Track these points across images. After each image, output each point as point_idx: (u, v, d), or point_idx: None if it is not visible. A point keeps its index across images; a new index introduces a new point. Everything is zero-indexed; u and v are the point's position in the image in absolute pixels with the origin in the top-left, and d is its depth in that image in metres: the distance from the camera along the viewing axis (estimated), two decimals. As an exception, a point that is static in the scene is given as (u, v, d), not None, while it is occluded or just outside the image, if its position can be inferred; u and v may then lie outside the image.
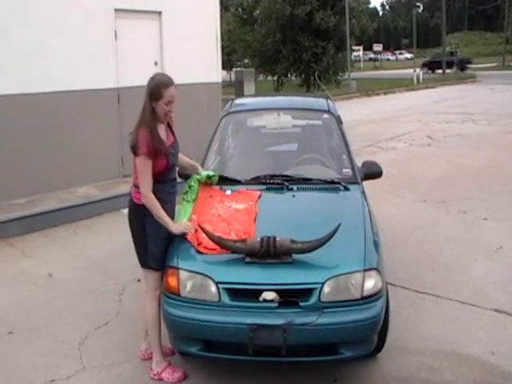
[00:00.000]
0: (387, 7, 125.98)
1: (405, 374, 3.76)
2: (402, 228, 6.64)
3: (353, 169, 4.63)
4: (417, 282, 5.13)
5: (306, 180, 4.37)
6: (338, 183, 4.37)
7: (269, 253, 3.36)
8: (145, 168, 3.55)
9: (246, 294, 3.33)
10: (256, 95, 12.94)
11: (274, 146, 5.28)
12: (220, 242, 3.46)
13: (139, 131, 3.58)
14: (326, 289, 3.31)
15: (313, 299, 3.28)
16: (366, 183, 4.64)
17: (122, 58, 8.68)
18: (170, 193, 3.77)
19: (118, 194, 7.92)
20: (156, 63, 9.27)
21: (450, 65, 43.46)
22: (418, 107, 20.36)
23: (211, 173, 4.23)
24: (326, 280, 3.31)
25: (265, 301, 3.29)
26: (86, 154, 8.25)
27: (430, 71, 43.98)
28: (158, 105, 3.64)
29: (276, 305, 3.28)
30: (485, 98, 23.61)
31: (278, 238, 3.39)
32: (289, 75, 30.05)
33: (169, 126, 3.86)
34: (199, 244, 3.55)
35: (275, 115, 5.31)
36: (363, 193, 4.39)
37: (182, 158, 4.13)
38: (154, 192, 3.60)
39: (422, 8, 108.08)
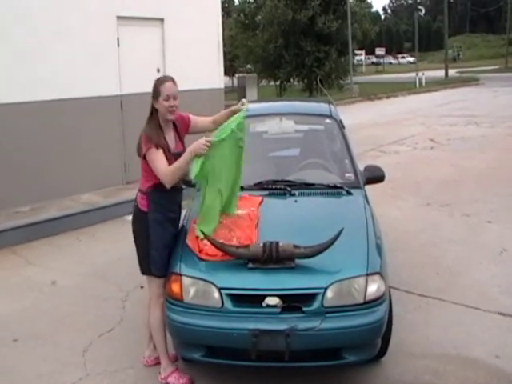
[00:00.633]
0: (389, 11, 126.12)
1: (409, 378, 3.74)
2: (405, 231, 6.63)
3: (355, 173, 4.63)
4: (421, 286, 5.12)
5: (309, 185, 4.37)
6: (341, 188, 4.37)
7: (271, 258, 3.36)
8: (156, 158, 3.53)
9: (248, 300, 3.33)
10: (258, 100, 12.94)
11: (277, 152, 5.28)
12: (222, 248, 3.46)
13: (143, 132, 3.62)
14: (329, 293, 3.30)
15: (316, 304, 3.28)
16: (368, 186, 4.64)
17: (124, 65, 8.71)
18: (174, 201, 3.77)
19: (121, 200, 7.94)
20: (158, 70, 9.30)
21: None
22: (420, 110, 20.35)
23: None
24: (329, 285, 3.31)
25: (268, 306, 3.29)
26: (89, 161, 8.28)
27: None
28: (159, 103, 3.67)
29: (279, 310, 3.28)
30: (488, 100, 23.58)
31: (280, 244, 3.39)
32: (291, 80, 30.09)
33: (178, 135, 3.83)
34: (200, 251, 3.55)
35: (277, 120, 5.32)
36: (366, 197, 4.38)
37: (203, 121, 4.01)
38: (158, 199, 3.61)
39: (423, 11, 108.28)
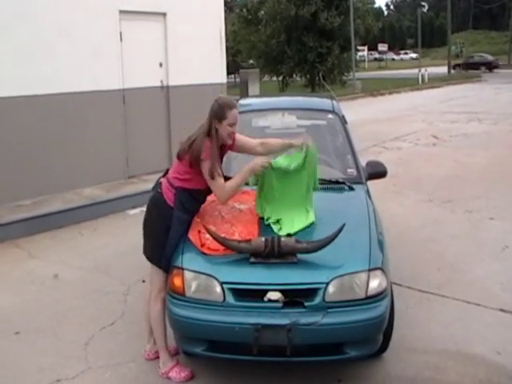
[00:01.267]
0: (392, 7, 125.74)
1: (410, 374, 3.75)
2: (407, 227, 6.63)
3: (357, 169, 4.63)
4: (422, 282, 5.12)
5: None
6: (343, 183, 4.37)
7: (273, 253, 3.36)
8: (210, 166, 3.57)
9: (250, 294, 3.33)
10: (261, 95, 12.94)
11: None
12: (225, 243, 3.46)
13: (205, 141, 3.60)
14: (331, 289, 3.31)
15: (317, 299, 3.28)
16: (371, 183, 4.64)
17: (127, 60, 8.70)
18: (200, 203, 3.83)
19: (124, 195, 7.95)
20: (161, 64, 9.29)
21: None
22: (423, 107, 20.33)
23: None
24: (331, 280, 3.31)
25: (269, 301, 3.29)
26: (91, 155, 8.28)
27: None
28: (222, 126, 3.67)
29: (281, 305, 3.28)
30: (490, 97, 23.55)
31: (282, 238, 3.40)
32: (294, 76, 30.06)
33: (220, 154, 3.83)
34: (202, 245, 3.55)
35: (280, 115, 5.31)
36: (368, 192, 4.39)
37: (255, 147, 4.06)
38: (187, 199, 3.67)
39: (427, 7, 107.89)
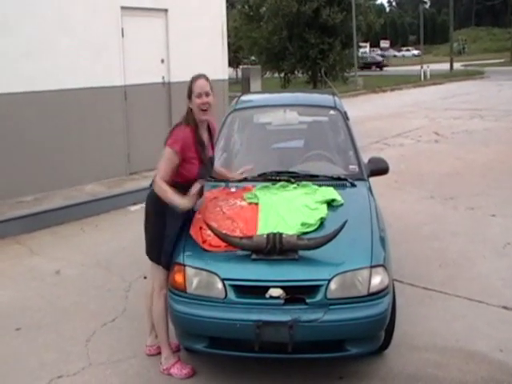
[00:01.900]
0: (394, 3, 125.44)
1: (412, 370, 3.74)
2: (409, 224, 6.62)
3: (359, 165, 4.62)
4: (424, 279, 5.11)
5: (313, 176, 4.36)
6: (345, 180, 4.36)
7: (275, 249, 3.35)
8: (169, 161, 3.58)
9: (252, 291, 3.33)
10: (262, 92, 12.92)
11: (281, 143, 5.26)
12: (226, 239, 3.45)
13: (177, 126, 3.64)
14: (333, 285, 3.30)
15: (319, 296, 3.28)
16: (372, 179, 4.63)
17: (128, 56, 8.69)
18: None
19: (125, 191, 7.95)
20: (163, 60, 9.28)
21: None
22: (425, 103, 20.28)
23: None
24: (333, 276, 3.30)
25: (271, 297, 3.29)
26: (92, 152, 8.27)
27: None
28: (192, 102, 3.64)
29: (282, 301, 3.28)
30: (492, 93, 23.48)
31: (284, 235, 3.39)
32: (295, 72, 29.97)
33: (210, 139, 3.84)
34: (204, 242, 3.54)
35: (281, 112, 5.30)
36: (370, 189, 4.37)
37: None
38: (180, 188, 3.63)
39: (429, 4, 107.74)
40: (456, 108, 18.38)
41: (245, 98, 5.88)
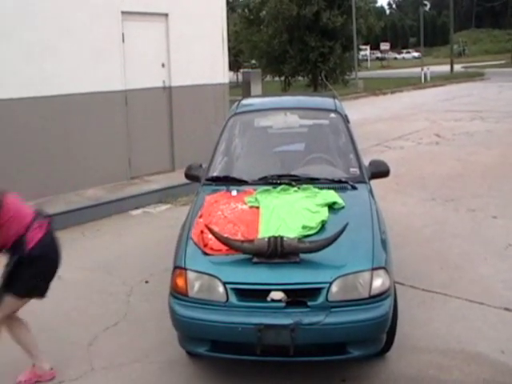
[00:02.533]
0: (394, 6, 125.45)
1: (414, 373, 3.74)
2: (410, 226, 6.62)
3: (360, 168, 4.62)
4: (425, 281, 5.11)
5: (314, 180, 4.37)
6: (346, 182, 4.37)
7: (276, 253, 3.36)
8: None
9: (253, 294, 3.33)
10: (263, 95, 12.93)
11: (281, 146, 5.27)
12: (228, 243, 3.46)
13: None
14: (334, 288, 3.31)
15: (321, 299, 3.28)
16: (373, 182, 4.63)
17: (129, 61, 8.70)
18: None
19: (126, 195, 7.96)
20: (163, 65, 9.29)
21: None
22: (425, 106, 20.28)
23: None
24: (334, 279, 3.31)
25: (272, 301, 3.30)
26: (93, 156, 8.28)
27: None
28: None
29: (284, 305, 3.28)
30: (493, 95, 23.46)
31: (285, 238, 3.40)
32: (296, 75, 30.02)
33: None
34: (205, 245, 3.55)
35: (282, 115, 5.31)
36: (371, 192, 4.38)
37: None
38: None
39: (429, 6, 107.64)
40: (457, 110, 18.37)
41: (245, 101, 5.89)
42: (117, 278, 5.47)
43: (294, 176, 4.41)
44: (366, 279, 3.35)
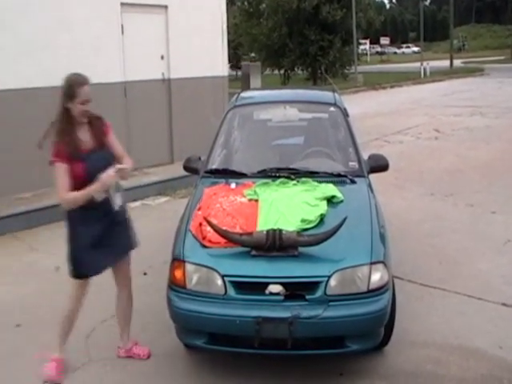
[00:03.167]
0: (394, 0, 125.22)
1: (411, 367, 3.74)
2: (408, 221, 6.61)
3: (359, 162, 4.61)
4: (424, 276, 5.11)
5: (313, 173, 4.35)
6: (345, 176, 4.35)
7: (275, 246, 3.35)
8: (61, 175, 3.56)
9: (251, 287, 3.33)
10: (262, 88, 12.90)
11: (281, 139, 5.26)
12: (226, 235, 3.45)
13: (54, 142, 3.61)
14: (333, 282, 3.30)
15: (319, 292, 3.28)
16: (373, 176, 4.62)
17: (128, 52, 8.66)
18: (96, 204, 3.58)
19: (125, 187, 7.92)
20: (162, 57, 9.26)
21: None
22: (425, 100, 20.27)
23: None
24: (333, 273, 3.30)
25: (271, 294, 3.29)
26: (92, 148, 8.25)
27: None
28: (74, 104, 3.51)
29: (282, 298, 3.28)
30: (493, 91, 23.44)
31: (284, 231, 3.39)
32: (295, 69, 29.99)
33: (95, 134, 3.69)
34: (204, 238, 3.54)
35: (281, 108, 5.29)
36: (370, 186, 4.37)
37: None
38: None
39: (429, 1, 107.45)
40: (456, 105, 18.36)
41: (245, 94, 5.87)
42: (115, 270, 5.44)
43: (293, 169, 4.39)
44: (364, 273, 3.34)
